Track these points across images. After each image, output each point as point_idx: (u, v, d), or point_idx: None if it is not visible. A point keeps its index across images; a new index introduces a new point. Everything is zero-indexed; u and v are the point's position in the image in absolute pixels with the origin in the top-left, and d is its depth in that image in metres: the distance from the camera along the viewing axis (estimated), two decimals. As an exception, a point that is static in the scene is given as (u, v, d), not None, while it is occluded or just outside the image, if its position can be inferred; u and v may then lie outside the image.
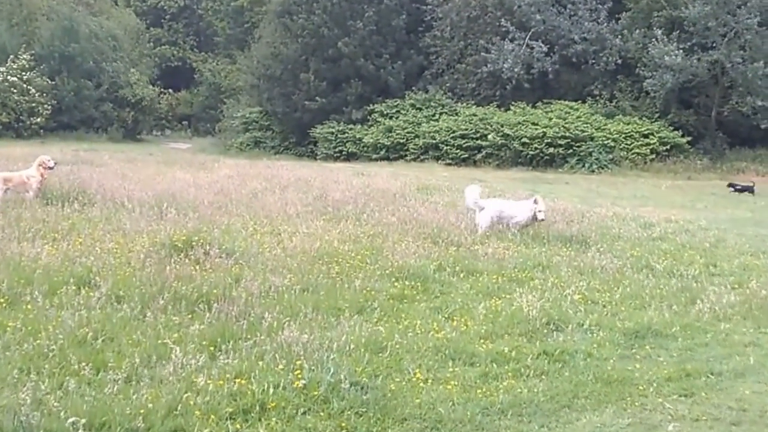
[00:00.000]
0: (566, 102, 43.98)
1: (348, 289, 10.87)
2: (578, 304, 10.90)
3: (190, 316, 9.25)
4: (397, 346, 8.72)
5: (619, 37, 43.30)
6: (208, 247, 12.19)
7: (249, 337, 8.59)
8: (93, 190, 18.85)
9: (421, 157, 44.38)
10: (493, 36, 45.89)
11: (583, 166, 40.19)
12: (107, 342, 8.37)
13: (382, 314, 9.99)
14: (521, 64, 43.90)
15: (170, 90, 76.72)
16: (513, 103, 44.71)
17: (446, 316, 10.16)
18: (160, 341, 8.32)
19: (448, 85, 48.64)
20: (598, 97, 44.23)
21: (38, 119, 59.68)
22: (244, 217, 16.45)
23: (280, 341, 8.37)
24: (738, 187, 31.02)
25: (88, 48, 65.25)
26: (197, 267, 11.35)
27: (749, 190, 30.39)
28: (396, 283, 11.41)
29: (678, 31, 41.17)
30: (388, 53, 48.56)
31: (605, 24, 43.63)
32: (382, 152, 45.93)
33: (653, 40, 40.55)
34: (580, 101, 44.06)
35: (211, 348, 8.28)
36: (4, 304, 9.40)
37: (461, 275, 12.17)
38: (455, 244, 14.33)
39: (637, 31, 42.62)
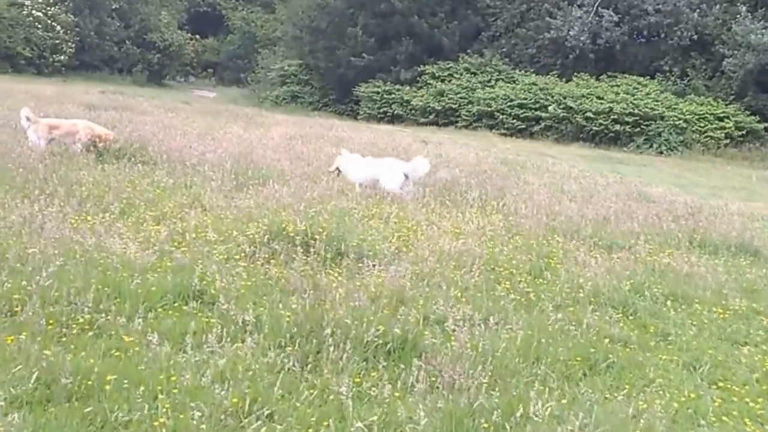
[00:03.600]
0: (633, 77, 40.98)
1: (550, 323, 8.04)
2: None
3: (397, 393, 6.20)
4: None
5: (697, 11, 40.13)
6: (335, 244, 9.47)
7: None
8: (153, 146, 16.11)
9: (474, 124, 41.63)
10: (560, 0, 42.80)
11: (651, 146, 37.27)
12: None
13: (620, 373, 7.14)
14: (587, 33, 40.99)
15: (197, 36, 73.87)
16: (575, 74, 41.78)
17: (706, 378, 7.26)
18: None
19: (504, 50, 45.69)
20: (668, 74, 41.15)
21: (61, 57, 57.44)
22: (344, 195, 13.69)
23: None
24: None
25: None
26: (339, 275, 8.62)
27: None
28: (602, 316, 8.50)
29: (763, 9, 38.22)
30: (443, 12, 45.60)
31: (683, -4, 40.53)
32: (431, 117, 43.18)
33: (737, 16, 37.57)
34: (647, 77, 41.02)
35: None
36: (88, 331, 6.73)
37: (668, 302, 9.33)
38: (630, 251, 11.47)
39: (717, 6, 39.62)
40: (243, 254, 9.11)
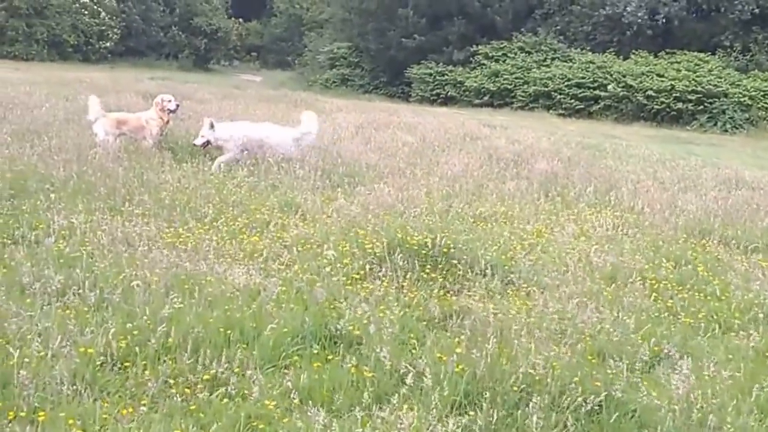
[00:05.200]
0: (693, 53, 39.73)
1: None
2: None
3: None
4: None
5: (759, -17, 38.90)
6: (465, 257, 8.65)
7: None
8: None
9: (530, 105, 40.64)
10: (616, -25, 41.62)
11: (715, 124, 36.10)
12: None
13: None
14: (645, 9, 39.85)
15: (240, 20, 73.24)
16: (633, 51, 40.62)
17: None
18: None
19: (558, 27, 44.51)
20: (729, 49, 39.90)
21: (107, 43, 57.16)
22: (443, 190, 12.92)
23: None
24: None
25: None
26: (488, 299, 7.84)
27: None
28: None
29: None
30: (495, -11, 44.39)
31: (743, -32, 39.23)
32: (486, 98, 42.15)
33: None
34: (707, 53, 39.74)
35: None
36: (216, 389, 5.68)
37: None
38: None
39: (779, -23, 38.36)
40: (363, 272, 8.31)
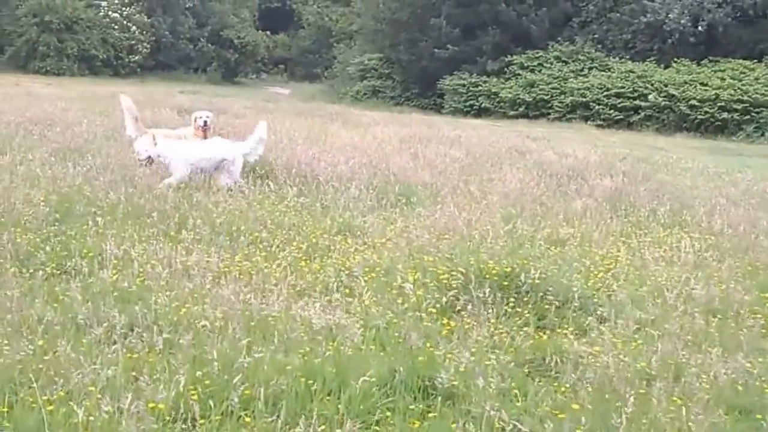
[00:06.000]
0: (738, 60, 38.69)
1: None
2: None
3: None
4: None
5: (806, -13, 37.99)
6: (551, 289, 7.82)
7: None
8: (273, 157, 14.71)
9: (567, 116, 39.82)
10: (657, -18, 40.83)
11: (762, 135, 34.92)
12: None
13: None
14: (688, 16, 39.03)
15: (267, 32, 72.80)
16: (675, 59, 39.63)
17: None
18: None
19: (596, 36, 43.73)
20: (775, 56, 38.95)
21: (137, 57, 57.10)
22: (504, 210, 12.16)
23: None
24: None
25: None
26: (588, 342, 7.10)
27: None
28: None
29: None
30: (531, -2, 43.72)
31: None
32: (521, 109, 41.45)
33: None
34: (753, 60, 38.59)
35: None
36: None
37: None
38: None
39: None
40: (440, 306, 7.55)
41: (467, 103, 43.44)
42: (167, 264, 7.82)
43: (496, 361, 6.30)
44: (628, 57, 41.77)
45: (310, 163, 14.16)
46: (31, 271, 7.65)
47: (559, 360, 6.46)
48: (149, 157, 12.72)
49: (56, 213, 9.72)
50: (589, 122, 38.55)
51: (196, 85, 50.50)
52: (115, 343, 6.05)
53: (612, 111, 38.71)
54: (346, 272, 8.38)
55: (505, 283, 7.84)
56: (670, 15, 39.05)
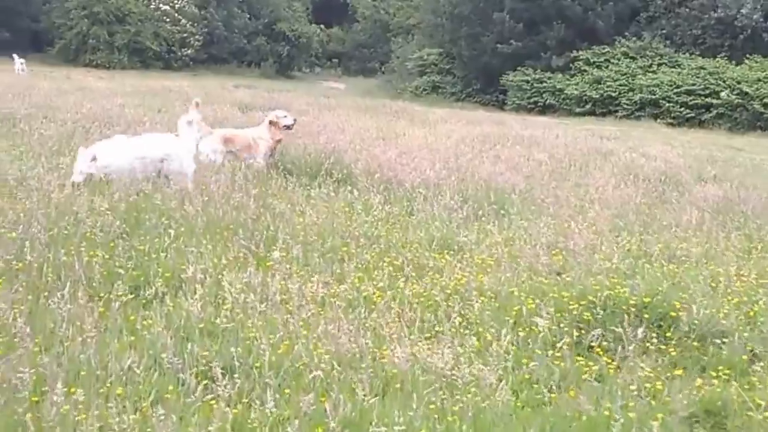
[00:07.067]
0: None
1: None
2: None
3: None
4: None
5: None
6: (696, 323, 6.72)
7: None
8: (349, 158, 13.69)
9: (636, 113, 38.66)
10: (729, -24, 39.45)
11: (840, 134, 33.79)
12: None
13: None
14: (760, 11, 37.61)
15: (321, 25, 71.94)
16: (747, 56, 38.29)
17: None
18: None
19: (664, 31, 42.27)
20: None
21: (189, 50, 56.54)
22: (608, 220, 11.03)
23: None
24: None
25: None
26: None
27: None
28: None
29: None
30: (598, -8, 42.38)
31: None
32: (587, 106, 40.34)
33: None
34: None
35: None
36: None
37: None
38: None
39: None
40: (570, 342, 6.42)
41: (531, 100, 42.35)
42: (261, 292, 6.79)
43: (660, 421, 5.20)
44: (697, 53, 40.48)
45: (394, 168, 13.09)
46: (104, 296, 6.67)
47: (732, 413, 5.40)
48: (90, 176, 10.74)
49: (124, 224, 8.73)
50: (658, 120, 37.43)
51: (250, 79, 49.61)
52: (211, 391, 5.05)
53: (682, 109, 37.58)
54: (455, 296, 7.34)
55: (646, 315, 6.75)
56: (742, 10, 37.87)
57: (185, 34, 56.46)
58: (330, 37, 74.54)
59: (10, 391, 4.95)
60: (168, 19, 55.82)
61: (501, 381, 5.59)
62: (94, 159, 10.63)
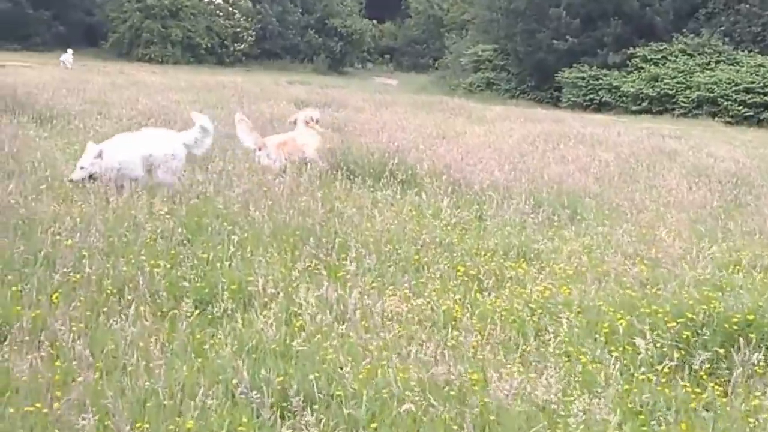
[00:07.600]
0: None
1: None
2: None
3: None
4: None
5: None
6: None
7: None
8: (413, 159, 13.22)
9: (693, 112, 37.80)
10: (792, -29, 38.58)
11: None
12: None
13: None
14: (823, 8, 36.78)
15: (374, 20, 71.54)
16: (810, 53, 37.45)
17: None
18: None
19: (723, 28, 41.35)
20: None
21: (242, 45, 56.35)
22: (688, 225, 10.50)
23: None
24: None
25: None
26: None
27: None
28: None
29: None
30: (655, -12, 41.61)
31: None
32: (644, 104, 39.57)
33: None
34: None
35: None
36: None
37: None
38: None
39: None
40: (671, 364, 5.87)
41: (587, 97, 41.68)
42: (337, 308, 6.37)
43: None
44: (757, 50, 39.60)
45: (461, 168, 12.63)
46: (168, 312, 6.30)
47: None
48: (90, 175, 10.22)
49: (185, 229, 8.36)
50: (716, 119, 36.54)
51: (302, 74, 49.60)
52: (290, 426, 4.65)
53: (741, 107, 36.73)
54: (539, 311, 6.88)
55: (751, 335, 6.23)
56: (804, 7, 36.76)
57: (238, 29, 56.45)
58: (382, 32, 74.16)
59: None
60: (221, 14, 55.76)
61: (611, 414, 5.08)
62: (99, 156, 10.19)
